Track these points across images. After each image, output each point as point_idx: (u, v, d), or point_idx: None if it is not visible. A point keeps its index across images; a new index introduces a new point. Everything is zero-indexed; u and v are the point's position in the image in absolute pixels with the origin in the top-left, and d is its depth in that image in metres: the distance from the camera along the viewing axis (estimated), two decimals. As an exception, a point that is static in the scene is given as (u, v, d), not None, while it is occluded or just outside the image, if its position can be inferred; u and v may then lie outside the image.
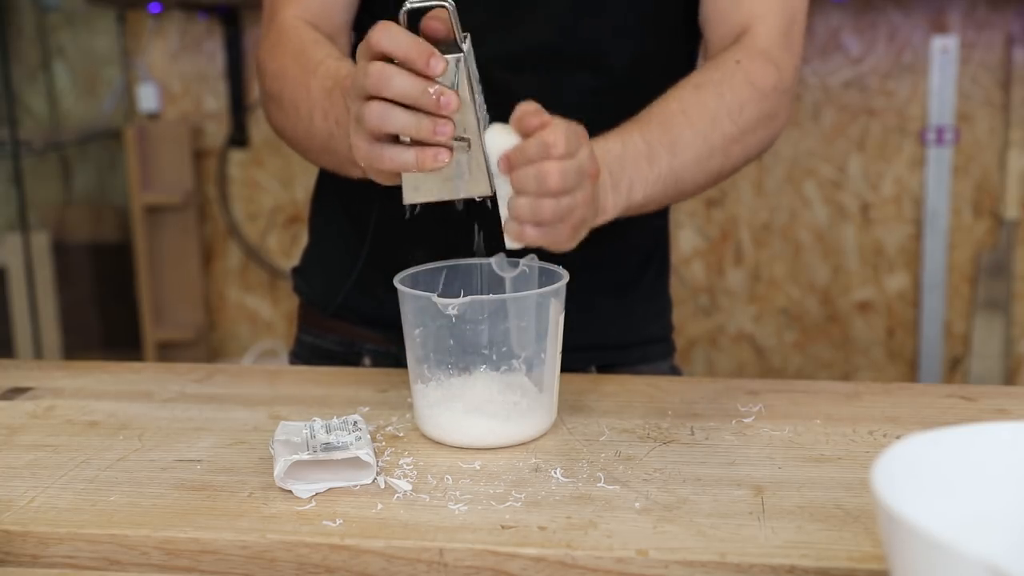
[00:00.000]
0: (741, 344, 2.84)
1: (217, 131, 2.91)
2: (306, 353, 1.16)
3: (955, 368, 2.78)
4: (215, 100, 2.90)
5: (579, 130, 0.79)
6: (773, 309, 2.82)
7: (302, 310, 1.18)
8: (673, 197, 0.95)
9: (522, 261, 0.86)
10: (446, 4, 0.76)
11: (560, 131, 0.76)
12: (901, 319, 2.77)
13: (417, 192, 0.80)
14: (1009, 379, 2.73)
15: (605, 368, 1.08)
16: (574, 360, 0.93)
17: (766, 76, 0.96)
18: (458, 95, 0.75)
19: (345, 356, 1.11)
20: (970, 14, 2.62)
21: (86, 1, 2.81)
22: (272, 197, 2.92)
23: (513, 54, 0.98)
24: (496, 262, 0.87)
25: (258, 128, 2.88)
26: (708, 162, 0.93)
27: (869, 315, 2.78)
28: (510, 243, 0.80)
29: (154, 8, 2.81)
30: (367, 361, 1.10)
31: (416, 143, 0.77)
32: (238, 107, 2.87)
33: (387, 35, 0.75)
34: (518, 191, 0.77)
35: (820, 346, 2.81)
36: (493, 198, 0.80)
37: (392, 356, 1.07)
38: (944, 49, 2.62)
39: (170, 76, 2.90)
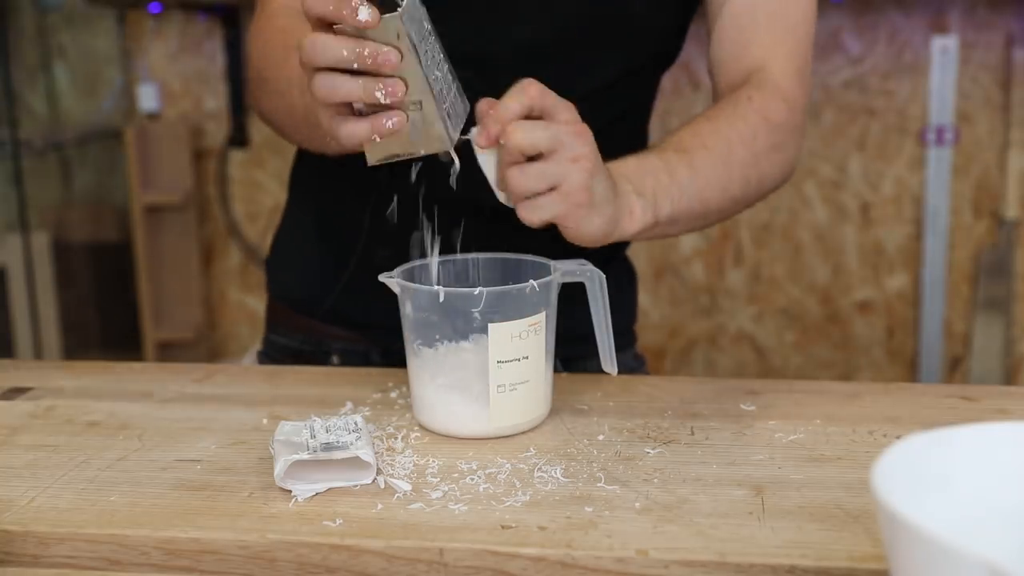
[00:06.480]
0: (741, 344, 2.84)
1: (217, 131, 2.91)
2: (274, 352, 1.16)
3: (955, 368, 2.78)
4: (215, 100, 2.90)
5: (548, 94, 0.77)
6: (773, 309, 2.82)
7: (271, 307, 1.18)
8: (700, 219, 0.92)
9: (573, 264, 0.86)
10: None
11: (512, 95, 0.76)
12: (901, 319, 2.77)
13: (377, 151, 0.80)
14: (1009, 379, 2.73)
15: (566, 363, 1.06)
16: None
17: (778, 111, 0.96)
18: (400, 51, 0.74)
19: (312, 355, 1.11)
20: (970, 14, 2.62)
21: (86, 1, 2.81)
22: (272, 197, 2.92)
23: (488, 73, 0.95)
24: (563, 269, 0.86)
25: (258, 128, 2.88)
26: (729, 186, 0.92)
27: (869, 315, 2.78)
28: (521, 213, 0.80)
29: (154, 8, 2.81)
30: (335, 360, 1.10)
31: (372, 110, 0.76)
32: (238, 107, 2.87)
33: None
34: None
35: (820, 346, 2.81)
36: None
37: (360, 354, 1.07)
38: (944, 49, 2.62)
39: (170, 76, 2.90)
